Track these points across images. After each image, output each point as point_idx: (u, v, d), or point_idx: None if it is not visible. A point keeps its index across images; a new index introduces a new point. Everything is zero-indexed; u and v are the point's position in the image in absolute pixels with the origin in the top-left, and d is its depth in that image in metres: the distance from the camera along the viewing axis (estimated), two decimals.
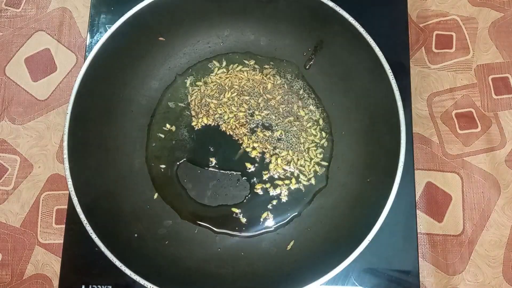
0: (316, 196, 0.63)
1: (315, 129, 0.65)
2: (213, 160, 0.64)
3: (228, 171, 0.64)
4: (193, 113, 0.66)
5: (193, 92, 0.67)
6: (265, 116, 0.66)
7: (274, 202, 0.63)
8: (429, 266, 0.62)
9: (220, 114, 0.66)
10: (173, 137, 0.66)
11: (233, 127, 0.65)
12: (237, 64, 0.68)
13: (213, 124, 0.66)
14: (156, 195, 0.63)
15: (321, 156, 0.64)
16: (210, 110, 0.67)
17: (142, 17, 0.59)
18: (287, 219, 0.62)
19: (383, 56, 0.55)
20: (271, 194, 0.63)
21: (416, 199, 0.62)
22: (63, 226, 0.61)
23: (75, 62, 0.72)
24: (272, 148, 0.65)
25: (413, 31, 0.70)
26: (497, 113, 0.68)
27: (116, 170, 0.61)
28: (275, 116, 0.66)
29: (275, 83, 0.67)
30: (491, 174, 0.65)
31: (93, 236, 0.52)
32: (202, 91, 0.67)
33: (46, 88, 0.71)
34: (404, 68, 0.64)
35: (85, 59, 0.58)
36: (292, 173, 0.64)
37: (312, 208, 0.62)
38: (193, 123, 0.66)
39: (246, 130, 0.65)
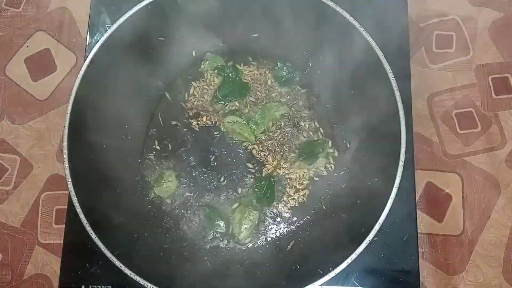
0: (317, 197, 0.63)
1: (316, 129, 0.65)
2: (214, 160, 0.64)
3: (228, 171, 0.64)
4: (193, 113, 0.66)
5: (193, 92, 0.67)
6: None
7: (275, 202, 0.63)
8: (429, 266, 0.62)
9: (220, 114, 0.66)
10: (173, 137, 0.66)
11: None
12: (237, 64, 0.68)
13: (213, 124, 0.66)
14: (156, 195, 0.63)
15: (321, 156, 0.64)
16: (210, 110, 0.67)
17: (141, 17, 0.59)
18: (288, 220, 0.62)
19: (383, 56, 0.55)
20: (269, 192, 0.63)
21: (416, 199, 0.62)
22: (63, 226, 0.61)
23: (75, 62, 0.72)
24: (273, 148, 0.65)
25: (413, 31, 0.70)
26: (497, 113, 0.68)
27: (116, 170, 0.61)
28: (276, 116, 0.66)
29: (275, 82, 0.67)
30: (491, 174, 0.65)
31: (93, 236, 0.52)
32: (202, 91, 0.67)
33: (46, 88, 0.71)
34: (404, 68, 0.64)
35: (85, 59, 0.58)
36: (292, 173, 0.64)
37: (313, 208, 0.62)
38: (194, 123, 0.66)
39: None
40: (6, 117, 0.70)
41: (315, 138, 0.65)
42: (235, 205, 0.62)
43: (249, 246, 0.61)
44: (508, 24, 0.71)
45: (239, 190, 0.63)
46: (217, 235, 0.61)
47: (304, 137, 0.65)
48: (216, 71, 0.67)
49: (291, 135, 0.65)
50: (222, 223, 0.61)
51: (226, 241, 0.61)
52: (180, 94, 0.67)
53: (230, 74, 0.66)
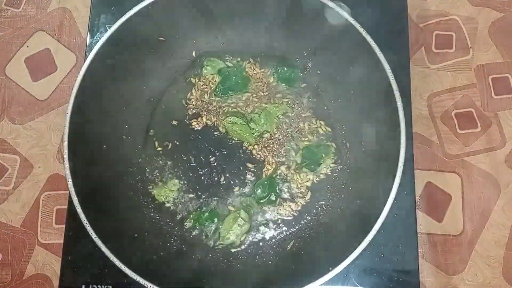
0: (316, 197, 0.63)
1: (316, 129, 0.65)
2: (213, 160, 0.64)
3: (228, 171, 0.64)
4: (193, 113, 0.66)
5: (194, 92, 0.67)
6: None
7: (275, 202, 0.63)
8: (429, 266, 0.62)
9: (221, 114, 0.66)
10: (173, 138, 0.66)
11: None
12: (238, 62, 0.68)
13: (213, 124, 0.66)
14: (156, 195, 0.63)
15: (322, 156, 0.64)
16: (210, 110, 0.67)
17: (142, 17, 0.59)
18: (287, 220, 0.62)
19: (383, 56, 0.55)
20: (271, 194, 0.63)
21: (416, 199, 0.62)
22: (63, 226, 0.61)
23: (75, 62, 0.72)
24: (273, 148, 0.65)
25: (413, 31, 0.70)
26: (497, 113, 0.68)
27: (116, 170, 0.61)
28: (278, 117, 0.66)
29: (275, 82, 0.67)
30: (491, 174, 0.65)
31: (93, 236, 0.52)
32: (202, 91, 0.67)
33: (46, 88, 0.71)
34: (404, 68, 0.64)
35: (85, 59, 0.58)
36: (292, 173, 0.64)
37: (312, 208, 0.62)
38: (194, 123, 0.66)
39: None
40: (6, 117, 0.70)
41: (317, 141, 0.65)
42: (232, 208, 0.62)
43: (249, 246, 0.61)
44: (508, 24, 0.71)
45: (239, 190, 0.63)
46: (216, 235, 0.61)
47: (305, 138, 0.65)
48: (217, 73, 0.67)
49: (291, 136, 0.65)
50: (220, 224, 0.61)
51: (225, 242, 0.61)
52: (180, 94, 0.67)
53: (231, 70, 0.66)
